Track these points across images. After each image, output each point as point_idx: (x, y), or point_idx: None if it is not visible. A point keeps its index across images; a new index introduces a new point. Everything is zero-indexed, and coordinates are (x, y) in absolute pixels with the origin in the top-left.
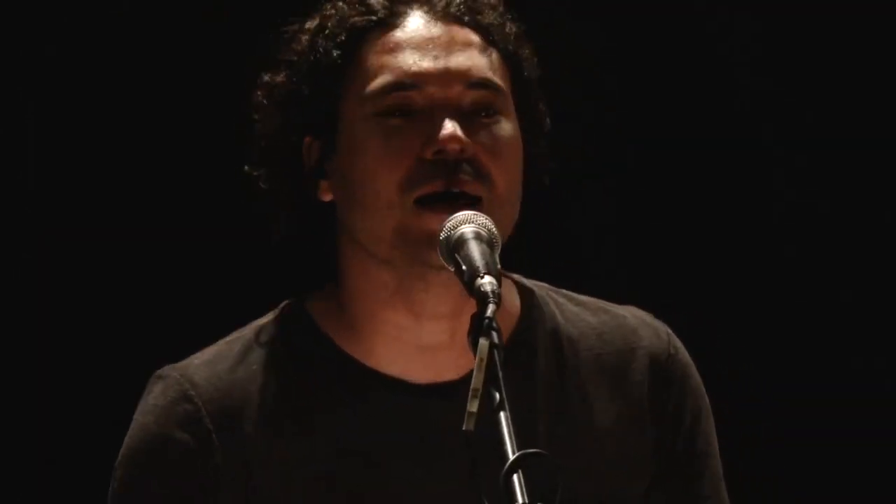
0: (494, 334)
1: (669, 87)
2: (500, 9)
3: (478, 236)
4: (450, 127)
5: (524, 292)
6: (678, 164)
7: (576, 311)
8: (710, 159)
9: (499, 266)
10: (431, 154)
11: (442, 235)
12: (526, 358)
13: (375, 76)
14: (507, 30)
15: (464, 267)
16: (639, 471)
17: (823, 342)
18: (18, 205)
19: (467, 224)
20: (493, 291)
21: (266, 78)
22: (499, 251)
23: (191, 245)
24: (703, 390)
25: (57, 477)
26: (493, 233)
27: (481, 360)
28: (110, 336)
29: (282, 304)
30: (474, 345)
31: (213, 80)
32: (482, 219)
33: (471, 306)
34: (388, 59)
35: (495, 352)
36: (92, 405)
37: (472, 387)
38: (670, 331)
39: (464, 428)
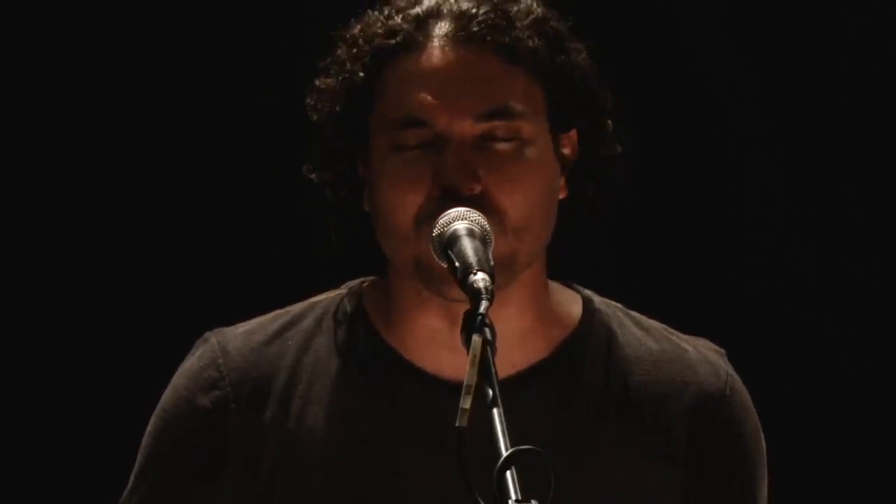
0: (487, 331)
1: (657, 89)
2: (535, 13)
3: (471, 233)
4: (457, 164)
5: (588, 307)
6: (669, 166)
7: (639, 334)
8: (701, 162)
9: (492, 262)
10: (440, 191)
11: (435, 232)
12: (571, 368)
13: (391, 109)
14: (533, 43)
15: (457, 263)
16: (663, 502)
17: (821, 341)
18: (18, 204)
19: (460, 220)
20: (485, 288)
21: (317, 83)
22: (492, 248)
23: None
24: (759, 437)
25: (58, 476)
26: (485, 229)
27: (474, 356)
28: (110, 336)
29: (343, 285)
30: (468, 342)
31: (219, 77)
32: (475, 215)
33: (501, 311)
34: (403, 92)
35: (488, 348)
36: (93, 407)
37: (465, 383)
38: (733, 372)
39: (457, 424)
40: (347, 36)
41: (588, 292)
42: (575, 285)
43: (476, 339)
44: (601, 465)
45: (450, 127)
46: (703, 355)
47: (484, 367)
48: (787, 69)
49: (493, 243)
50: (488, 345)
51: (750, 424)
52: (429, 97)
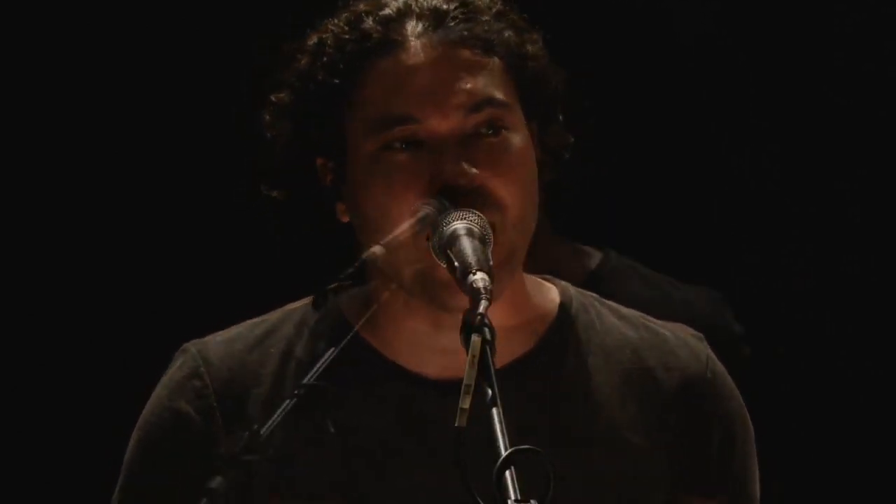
0: (486, 331)
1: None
2: (497, 4)
3: (470, 232)
4: (455, 161)
5: (565, 298)
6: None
7: (617, 323)
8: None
9: (491, 262)
10: (440, 190)
11: (434, 231)
12: (552, 361)
13: (375, 112)
14: (506, 34)
15: (456, 263)
16: (654, 488)
17: (818, 339)
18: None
19: (459, 220)
20: (485, 288)
21: (273, 98)
22: (491, 247)
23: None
24: (745, 418)
25: (57, 475)
26: (485, 228)
27: (473, 356)
28: (109, 335)
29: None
30: (466, 341)
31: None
32: (474, 214)
33: (493, 311)
34: (387, 94)
35: (487, 348)
36: (92, 407)
37: (464, 383)
38: (713, 355)
39: (456, 424)
40: (308, 46)
41: (564, 283)
42: (549, 277)
43: (475, 338)
44: (594, 451)
45: (441, 124)
46: (682, 340)
47: (483, 367)
48: (781, 66)
49: (492, 242)
50: (488, 345)
51: (734, 403)
52: (416, 95)
